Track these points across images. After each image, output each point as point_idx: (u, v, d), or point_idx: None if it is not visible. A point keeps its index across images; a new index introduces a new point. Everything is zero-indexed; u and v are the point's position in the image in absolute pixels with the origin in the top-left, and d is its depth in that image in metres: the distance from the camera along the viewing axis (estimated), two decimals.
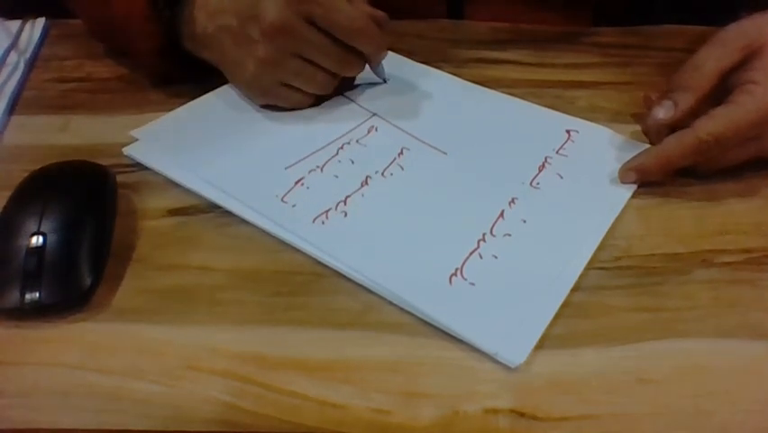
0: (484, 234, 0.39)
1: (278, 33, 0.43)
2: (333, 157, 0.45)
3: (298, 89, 0.47)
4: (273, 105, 0.48)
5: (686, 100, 0.42)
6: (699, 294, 0.37)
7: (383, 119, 0.48)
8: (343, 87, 0.50)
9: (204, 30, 0.46)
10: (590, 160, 0.45)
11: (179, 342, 0.34)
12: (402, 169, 0.44)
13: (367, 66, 0.49)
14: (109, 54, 0.55)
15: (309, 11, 0.43)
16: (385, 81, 0.51)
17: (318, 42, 0.44)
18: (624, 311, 0.36)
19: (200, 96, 0.50)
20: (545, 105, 0.50)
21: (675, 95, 0.42)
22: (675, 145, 0.41)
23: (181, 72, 0.50)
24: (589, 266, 0.38)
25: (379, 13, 0.46)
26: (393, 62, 0.54)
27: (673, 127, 0.42)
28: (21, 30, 0.58)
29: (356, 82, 0.51)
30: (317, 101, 0.49)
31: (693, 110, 0.42)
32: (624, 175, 0.43)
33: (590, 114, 0.49)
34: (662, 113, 0.42)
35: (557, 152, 0.45)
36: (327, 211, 0.41)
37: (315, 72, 0.46)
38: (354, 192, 0.42)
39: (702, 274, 0.38)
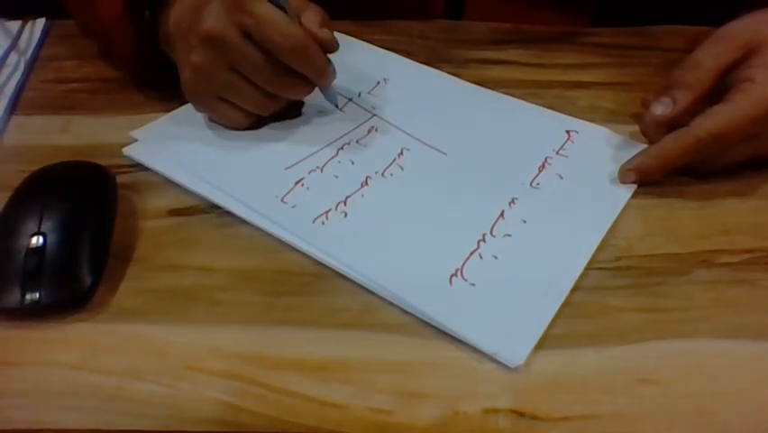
0: (484, 235, 0.39)
1: (211, 42, 0.41)
2: (332, 157, 0.45)
3: (235, 106, 0.44)
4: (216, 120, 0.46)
5: (684, 97, 0.42)
6: (699, 294, 0.37)
7: (383, 119, 0.48)
8: (291, 113, 0.48)
9: (171, 33, 0.45)
10: (590, 160, 0.45)
11: (179, 342, 0.34)
12: (402, 169, 0.44)
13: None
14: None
15: (243, 22, 0.40)
16: (336, 107, 0.48)
17: (251, 57, 0.41)
18: (624, 311, 0.36)
19: None
20: (545, 106, 0.50)
21: (674, 92, 0.42)
22: (674, 144, 0.41)
23: (160, 75, 0.49)
24: (589, 266, 0.38)
25: (326, 34, 0.43)
26: (393, 62, 0.54)
27: (672, 126, 0.42)
28: (21, 30, 0.58)
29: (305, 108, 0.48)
30: (261, 121, 0.46)
31: (691, 108, 0.42)
32: (623, 175, 0.43)
33: (590, 114, 0.49)
34: (660, 109, 0.42)
35: (557, 153, 0.45)
36: (327, 212, 0.41)
37: (248, 89, 0.43)
38: (354, 192, 0.42)
39: (702, 274, 0.38)
